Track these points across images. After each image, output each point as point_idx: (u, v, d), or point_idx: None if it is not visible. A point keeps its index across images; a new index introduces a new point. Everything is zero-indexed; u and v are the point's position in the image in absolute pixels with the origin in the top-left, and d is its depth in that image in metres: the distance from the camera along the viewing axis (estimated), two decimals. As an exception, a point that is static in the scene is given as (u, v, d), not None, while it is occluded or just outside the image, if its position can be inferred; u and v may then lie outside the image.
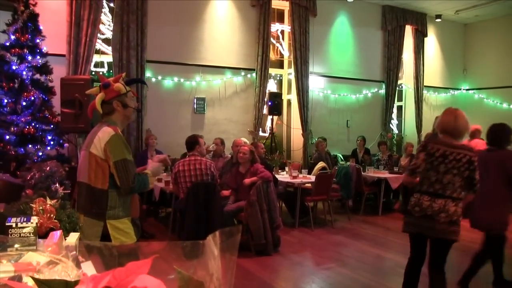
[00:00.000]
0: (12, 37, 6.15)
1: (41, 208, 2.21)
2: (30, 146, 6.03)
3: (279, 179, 6.77)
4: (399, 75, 10.99)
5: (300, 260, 5.46)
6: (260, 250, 5.39)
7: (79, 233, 1.97)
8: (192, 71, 8.35)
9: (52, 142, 6.25)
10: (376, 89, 10.70)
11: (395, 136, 11.17)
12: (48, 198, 2.30)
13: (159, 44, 7.88)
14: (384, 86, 10.71)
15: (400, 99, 11.59)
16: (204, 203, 5.17)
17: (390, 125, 10.96)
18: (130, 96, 2.83)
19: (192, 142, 5.43)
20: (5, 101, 6.02)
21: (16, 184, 5.46)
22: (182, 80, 8.29)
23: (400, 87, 11.35)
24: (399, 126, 11.65)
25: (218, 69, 8.61)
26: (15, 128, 5.97)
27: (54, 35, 6.71)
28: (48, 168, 5.40)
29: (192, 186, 5.16)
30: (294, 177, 7.06)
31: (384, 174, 7.95)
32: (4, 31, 6.20)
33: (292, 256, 5.50)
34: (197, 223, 5.13)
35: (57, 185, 4.92)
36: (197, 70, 8.40)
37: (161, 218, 6.28)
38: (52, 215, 2.19)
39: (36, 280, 0.83)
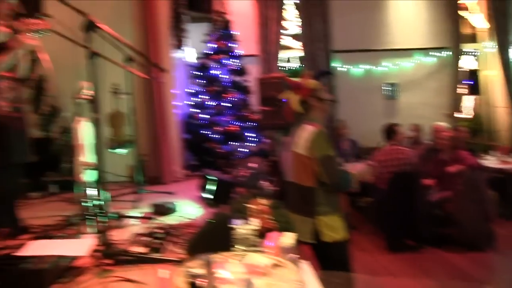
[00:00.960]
0: (212, 45, 6.84)
1: (257, 208, 2.33)
2: (233, 143, 6.62)
3: (486, 164, 6.12)
4: None
5: (522, 258, 4.84)
6: (471, 245, 4.91)
7: (294, 234, 2.02)
8: (380, 57, 8.18)
9: (252, 139, 6.77)
10: None
11: None
12: (260, 198, 2.41)
13: (344, 33, 7.86)
14: None
15: None
16: (406, 194, 4.97)
17: None
18: (322, 89, 2.88)
19: (390, 131, 5.28)
20: (211, 103, 6.74)
21: (225, 181, 6.03)
22: (370, 66, 8.19)
23: None
24: None
25: (406, 51, 8.25)
26: (220, 128, 6.63)
27: (245, 37, 7.23)
28: (255, 166, 5.80)
29: (393, 176, 5.01)
30: (505, 162, 6.33)
31: None
32: (204, 41, 6.94)
33: (510, 253, 4.90)
34: (399, 214, 4.98)
35: (265, 182, 5.22)
36: (385, 55, 8.18)
37: (360, 208, 6.22)
38: (268, 216, 2.30)
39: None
